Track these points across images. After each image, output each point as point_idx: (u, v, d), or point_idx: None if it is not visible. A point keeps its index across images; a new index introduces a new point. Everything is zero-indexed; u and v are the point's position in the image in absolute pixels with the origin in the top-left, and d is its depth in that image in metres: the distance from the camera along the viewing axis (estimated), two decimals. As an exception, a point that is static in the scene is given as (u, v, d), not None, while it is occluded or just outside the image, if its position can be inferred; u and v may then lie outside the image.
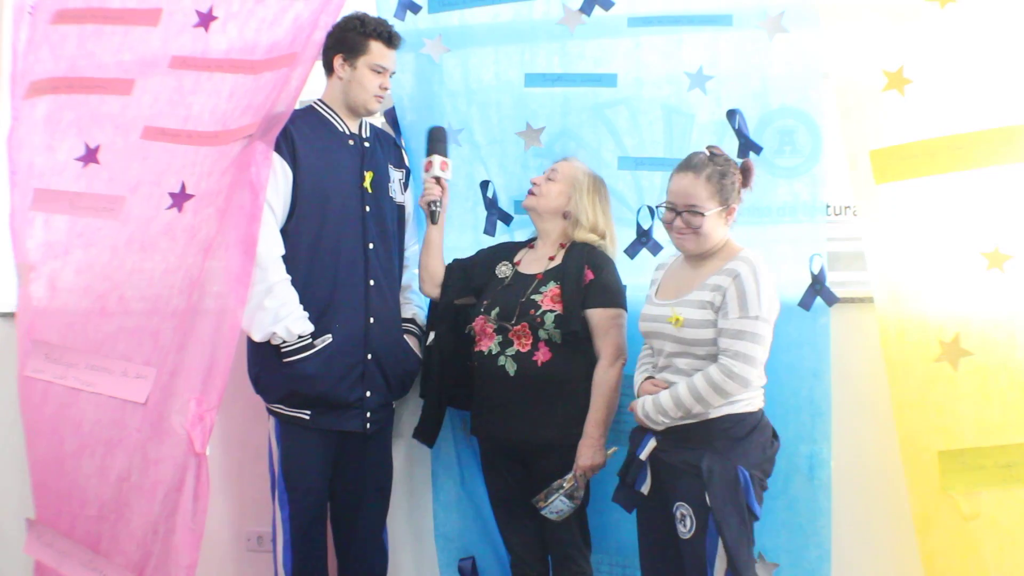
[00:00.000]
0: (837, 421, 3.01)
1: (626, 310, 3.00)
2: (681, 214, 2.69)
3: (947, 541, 2.75)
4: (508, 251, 3.19)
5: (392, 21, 3.27)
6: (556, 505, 2.86)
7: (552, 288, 2.97)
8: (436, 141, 3.20)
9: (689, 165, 2.73)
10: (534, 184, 3.11)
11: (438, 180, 3.16)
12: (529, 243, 3.20)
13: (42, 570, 3.23)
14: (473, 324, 3.06)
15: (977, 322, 2.73)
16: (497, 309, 3.01)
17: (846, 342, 3.03)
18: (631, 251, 3.22)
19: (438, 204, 3.16)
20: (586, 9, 3.23)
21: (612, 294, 2.98)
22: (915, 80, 2.80)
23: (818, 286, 3.01)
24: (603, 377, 2.92)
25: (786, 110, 3.10)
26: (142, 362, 3.00)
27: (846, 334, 3.03)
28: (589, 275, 2.96)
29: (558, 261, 3.04)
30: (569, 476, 2.87)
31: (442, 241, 3.22)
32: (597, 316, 2.95)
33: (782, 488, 2.97)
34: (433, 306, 3.28)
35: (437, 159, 3.17)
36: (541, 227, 3.13)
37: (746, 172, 2.75)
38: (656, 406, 2.66)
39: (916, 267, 2.80)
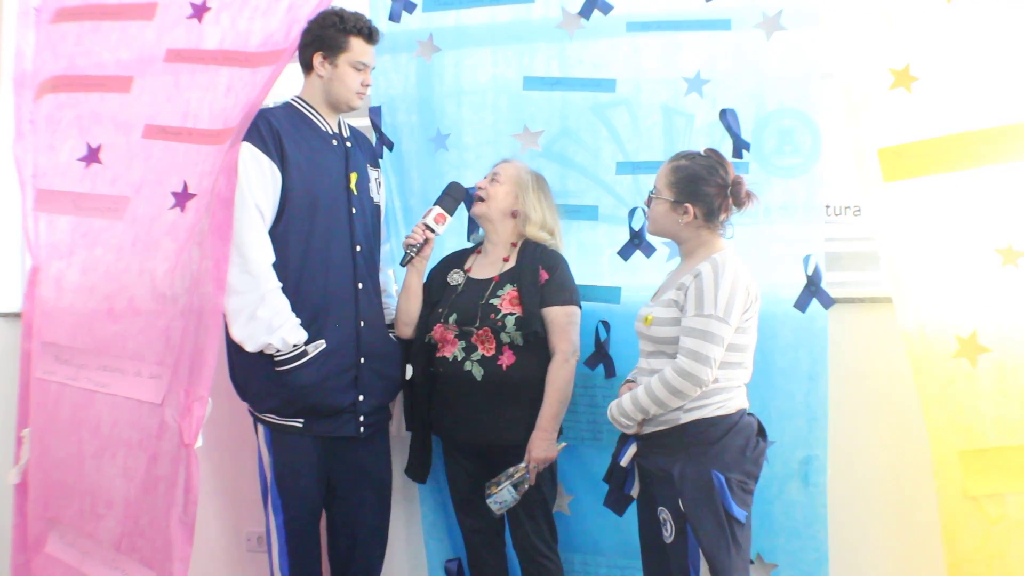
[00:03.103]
0: (833, 424, 2.86)
1: (580, 308, 2.90)
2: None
3: (974, 546, 2.61)
4: (458, 259, 3.04)
5: (389, 24, 3.12)
6: (502, 495, 2.75)
7: (510, 291, 2.86)
8: (447, 196, 2.99)
9: (675, 155, 2.67)
10: (479, 188, 2.96)
11: (428, 228, 2.95)
12: (476, 249, 3.05)
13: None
14: (432, 332, 2.91)
15: (994, 319, 2.57)
16: (455, 315, 2.87)
17: (844, 344, 2.90)
18: (624, 253, 3.07)
19: (415, 250, 2.94)
20: (585, 13, 3.06)
21: (567, 292, 2.88)
22: (922, 78, 2.64)
23: (813, 288, 2.86)
24: (557, 372, 2.81)
25: (784, 111, 2.94)
26: (155, 362, 2.81)
27: (844, 335, 2.90)
28: (544, 275, 2.86)
29: (512, 262, 2.94)
30: (521, 466, 2.75)
31: (421, 286, 3.01)
32: (554, 314, 2.84)
33: (778, 491, 2.88)
34: (406, 343, 3.06)
35: (436, 210, 2.97)
36: (491, 230, 2.98)
37: (735, 191, 2.56)
38: (619, 408, 2.56)
39: (930, 265, 2.64)
